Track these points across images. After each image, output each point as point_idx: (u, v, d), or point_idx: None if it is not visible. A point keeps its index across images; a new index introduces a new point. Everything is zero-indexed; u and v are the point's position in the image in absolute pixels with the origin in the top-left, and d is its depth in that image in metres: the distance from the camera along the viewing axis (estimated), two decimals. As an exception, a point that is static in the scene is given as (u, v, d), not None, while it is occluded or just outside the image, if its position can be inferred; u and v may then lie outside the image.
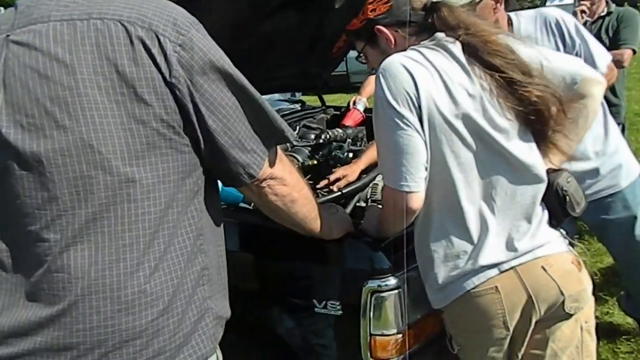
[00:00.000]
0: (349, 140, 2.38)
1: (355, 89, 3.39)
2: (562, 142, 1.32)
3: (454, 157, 1.20)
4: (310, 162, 2.10)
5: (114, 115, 0.85)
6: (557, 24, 1.87)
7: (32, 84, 0.85)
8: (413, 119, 1.18)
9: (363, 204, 1.92)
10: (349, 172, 2.00)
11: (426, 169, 1.20)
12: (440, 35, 1.28)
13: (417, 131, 1.18)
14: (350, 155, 2.24)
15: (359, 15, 1.39)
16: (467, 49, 1.24)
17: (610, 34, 3.05)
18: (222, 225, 1.07)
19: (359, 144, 2.51)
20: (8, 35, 0.89)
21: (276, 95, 3.48)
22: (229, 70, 0.94)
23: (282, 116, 2.77)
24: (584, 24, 3.10)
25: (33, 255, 0.86)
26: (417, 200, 1.21)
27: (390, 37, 1.35)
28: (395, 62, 1.21)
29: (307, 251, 1.43)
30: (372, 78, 3.43)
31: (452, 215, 1.25)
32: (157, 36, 0.87)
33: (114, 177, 0.85)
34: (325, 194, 1.87)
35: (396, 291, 1.36)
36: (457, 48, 1.24)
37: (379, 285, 1.35)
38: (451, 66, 1.22)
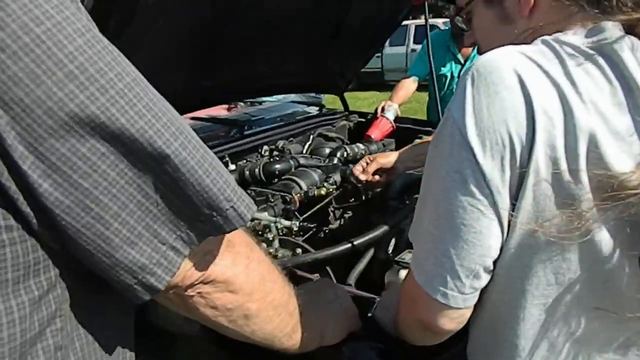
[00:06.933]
0: (372, 159, 1.86)
1: (391, 87, 2.98)
2: None
3: (543, 273, 0.66)
4: (317, 192, 1.58)
5: None
6: None
7: None
8: (499, 183, 0.63)
9: (383, 256, 1.39)
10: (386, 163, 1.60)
11: (489, 272, 0.67)
12: (612, 28, 0.66)
13: (495, 209, 0.64)
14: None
15: None
16: None
17: None
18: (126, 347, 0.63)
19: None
20: None
21: (291, 95, 2.98)
22: (107, 113, 0.47)
23: (295, 122, 2.30)
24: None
25: None
26: (453, 319, 0.70)
27: None
28: (506, 66, 0.64)
29: None
30: (407, 81, 2.98)
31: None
32: None
33: None
34: (315, 251, 1.28)
35: None
36: (634, 56, 0.64)
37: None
38: (609, 95, 0.63)
